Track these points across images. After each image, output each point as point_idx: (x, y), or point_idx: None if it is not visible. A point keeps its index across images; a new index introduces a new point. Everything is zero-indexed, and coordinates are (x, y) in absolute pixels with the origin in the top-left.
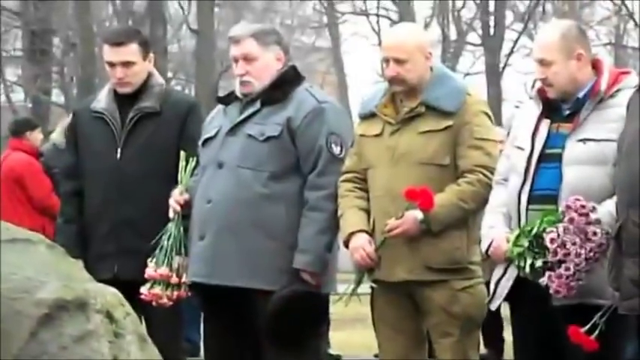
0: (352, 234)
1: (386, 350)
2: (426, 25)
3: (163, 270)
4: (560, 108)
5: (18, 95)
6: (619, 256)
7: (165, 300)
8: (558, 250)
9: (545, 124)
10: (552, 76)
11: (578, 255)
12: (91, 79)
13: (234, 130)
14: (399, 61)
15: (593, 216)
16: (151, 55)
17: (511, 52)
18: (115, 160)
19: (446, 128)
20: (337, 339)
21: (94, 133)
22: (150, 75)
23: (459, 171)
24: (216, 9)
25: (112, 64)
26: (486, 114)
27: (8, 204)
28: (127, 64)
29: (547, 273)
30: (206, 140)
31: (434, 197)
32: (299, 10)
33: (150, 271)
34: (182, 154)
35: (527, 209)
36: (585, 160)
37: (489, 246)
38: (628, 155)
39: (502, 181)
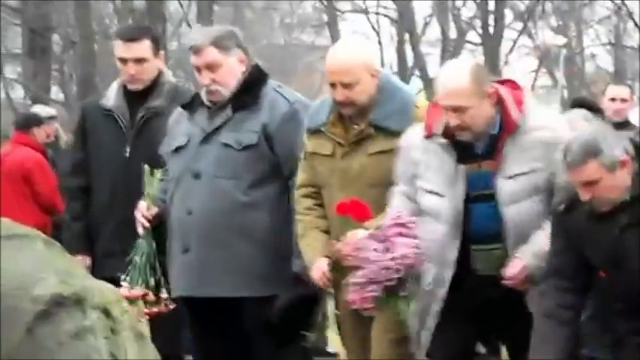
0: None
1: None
2: (426, 24)
3: (138, 290)
4: (469, 147)
5: (17, 93)
6: None
7: (142, 319)
8: (355, 254)
9: (461, 167)
10: (470, 120)
11: (374, 262)
12: (90, 77)
13: (207, 138)
14: (346, 85)
15: (410, 230)
16: (162, 52)
17: (510, 51)
18: (123, 158)
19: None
20: (335, 337)
21: (103, 130)
22: (160, 72)
23: None
24: (215, 7)
25: (124, 60)
26: None
27: (13, 200)
28: (138, 61)
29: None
30: (177, 149)
31: (368, 207)
32: (299, 8)
33: (124, 291)
34: (146, 168)
35: (469, 250)
36: (521, 196)
37: None
38: (621, 266)
39: None
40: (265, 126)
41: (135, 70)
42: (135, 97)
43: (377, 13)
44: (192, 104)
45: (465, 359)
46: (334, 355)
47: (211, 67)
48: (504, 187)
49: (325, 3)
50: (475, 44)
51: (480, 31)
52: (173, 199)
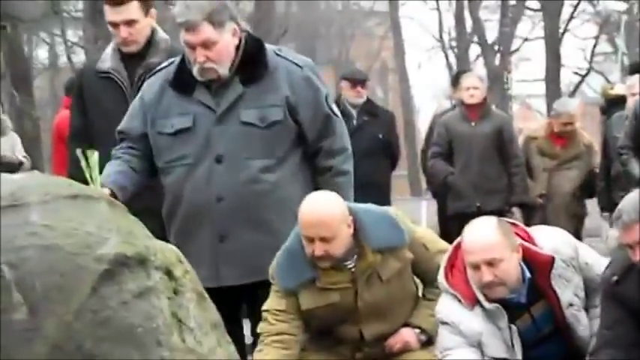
0: None
1: None
2: None
3: None
4: (511, 303)
5: (79, 57)
6: None
7: None
8: None
9: (514, 327)
10: (503, 273)
11: None
12: None
13: (221, 118)
14: (326, 240)
15: None
16: (153, 10)
17: (571, 17)
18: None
19: (407, 262)
20: None
21: (103, 93)
22: (154, 31)
23: (430, 280)
24: None
25: (114, 24)
26: (408, 219)
27: (57, 161)
28: (129, 23)
29: None
30: (179, 131)
31: None
32: None
33: None
34: (79, 152)
35: None
36: (580, 310)
37: None
38: None
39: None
40: (287, 98)
41: (127, 33)
42: (131, 58)
43: None
44: (181, 81)
45: None
46: None
47: (206, 45)
48: (569, 316)
49: None
50: (535, 10)
51: None
52: (188, 186)
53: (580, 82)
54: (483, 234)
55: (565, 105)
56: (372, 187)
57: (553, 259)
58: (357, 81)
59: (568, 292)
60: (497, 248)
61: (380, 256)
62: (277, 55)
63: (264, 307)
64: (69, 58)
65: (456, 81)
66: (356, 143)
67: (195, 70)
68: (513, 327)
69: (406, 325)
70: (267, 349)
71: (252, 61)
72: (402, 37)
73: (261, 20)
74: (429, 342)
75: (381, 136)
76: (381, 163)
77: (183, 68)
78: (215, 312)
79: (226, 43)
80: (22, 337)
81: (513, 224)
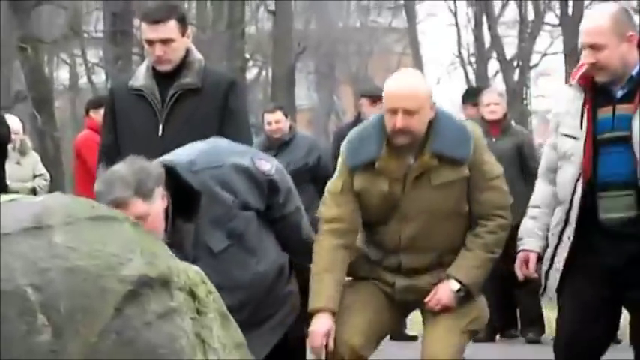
0: (317, 311)
1: None
2: (503, 6)
3: None
4: (607, 91)
5: (99, 77)
6: None
7: None
8: None
9: (598, 109)
10: (604, 59)
11: None
12: None
13: (195, 261)
14: (409, 112)
15: None
16: (189, 30)
17: None
18: (156, 137)
19: (461, 177)
20: (416, 319)
21: (134, 110)
22: (188, 51)
23: (475, 216)
24: None
25: (150, 42)
26: (485, 146)
27: (80, 178)
28: (165, 42)
29: None
30: None
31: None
32: None
33: None
34: None
35: (596, 197)
36: None
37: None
38: None
39: (546, 176)
40: (233, 202)
41: (162, 52)
42: (164, 78)
43: None
44: None
45: (596, 317)
46: (413, 337)
47: (138, 219)
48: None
49: None
50: (553, 25)
51: (559, 12)
52: None
53: None
54: (595, 18)
55: None
56: None
57: None
58: (377, 97)
59: None
60: (602, 33)
61: (436, 161)
62: (195, 173)
63: (326, 188)
64: (89, 79)
65: (466, 97)
66: None
67: None
68: (598, 106)
69: (444, 275)
70: (323, 238)
71: (182, 198)
72: (420, 53)
73: (279, 38)
74: (467, 297)
75: None
76: None
77: None
78: (238, 332)
79: (157, 211)
80: (48, 359)
81: None
